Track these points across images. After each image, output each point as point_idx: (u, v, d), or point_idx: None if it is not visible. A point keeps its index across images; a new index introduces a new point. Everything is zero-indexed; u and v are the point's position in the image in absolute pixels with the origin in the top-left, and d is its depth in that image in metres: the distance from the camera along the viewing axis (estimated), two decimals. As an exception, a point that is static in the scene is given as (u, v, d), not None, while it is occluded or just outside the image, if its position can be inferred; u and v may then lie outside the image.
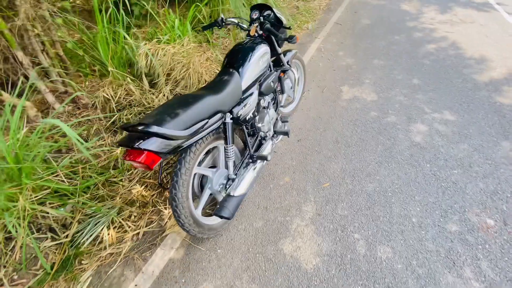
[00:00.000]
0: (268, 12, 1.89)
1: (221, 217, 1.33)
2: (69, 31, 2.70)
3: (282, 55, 2.09)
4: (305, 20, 4.80)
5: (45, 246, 1.57)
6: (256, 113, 1.76)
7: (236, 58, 1.65)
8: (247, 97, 1.61)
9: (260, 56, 1.71)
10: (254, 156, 1.66)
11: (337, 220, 1.76)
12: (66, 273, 1.50)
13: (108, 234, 1.66)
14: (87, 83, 2.68)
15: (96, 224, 1.68)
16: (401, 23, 4.78)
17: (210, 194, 1.57)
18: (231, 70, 1.57)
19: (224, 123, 1.44)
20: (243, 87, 1.58)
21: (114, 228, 1.70)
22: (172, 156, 1.40)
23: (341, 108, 2.77)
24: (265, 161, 1.66)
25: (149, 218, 1.77)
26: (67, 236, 1.63)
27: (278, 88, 2.15)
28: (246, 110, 1.58)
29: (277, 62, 2.10)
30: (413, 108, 2.75)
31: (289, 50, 2.32)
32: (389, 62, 3.60)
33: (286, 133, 1.91)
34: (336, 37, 4.30)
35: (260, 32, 1.84)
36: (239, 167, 1.65)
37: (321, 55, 3.82)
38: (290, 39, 1.95)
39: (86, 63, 2.70)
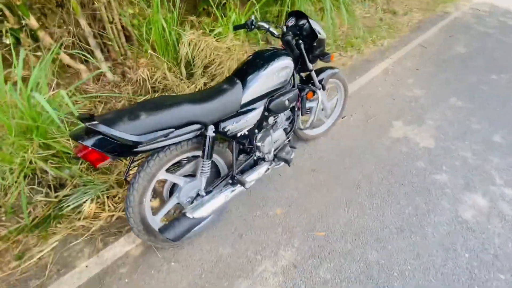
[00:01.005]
0: (304, 21, 1.63)
1: (165, 237, 1.20)
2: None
3: (313, 72, 1.81)
4: (383, 35, 4.21)
5: (37, 199, 1.72)
6: (257, 130, 1.55)
7: (247, 68, 1.47)
8: (245, 112, 1.42)
9: (277, 70, 1.49)
10: (235, 178, 1.47)
11: (313, 281, 1.45)
12: (41, 230, 1.61)
13: (89, 207, 1.72)
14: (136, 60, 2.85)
15: (84, 194, 1.76)
16: (508, 60, 3.76)
17: (179, 203, 1.46)
18: (235, 79, 1.40)
19: (204, 136, 1.29)
20: (244, 101, 1.40)
21: (96, 203, 1.75)
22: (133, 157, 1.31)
23: (382, 147, 2.31)
24: (243, 187, 1.46)
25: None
26: (57, 197, 1.75)
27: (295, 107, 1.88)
28: (238, 126, 1.40)
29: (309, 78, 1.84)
30: (479, 172, 2.11)
31: (329, 68, 2.01)
32: (470, 104, 2.86)
33: (287, 161, 1.66)
34: (413, 61, 3.65)
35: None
36: (216, 185, 1.49)
37: (384, 78, 3.29)
38: (323, 56, 1.66)
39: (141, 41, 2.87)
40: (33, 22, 2.21)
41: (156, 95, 2.55)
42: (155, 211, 1.43)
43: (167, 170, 1.36)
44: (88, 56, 2.40)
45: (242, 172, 1.60)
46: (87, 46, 2.56)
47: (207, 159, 1.33)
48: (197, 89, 2.58)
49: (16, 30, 2.27)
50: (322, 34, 1.67)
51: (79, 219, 1.68)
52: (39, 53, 2.40)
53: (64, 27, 2.47)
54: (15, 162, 1.62)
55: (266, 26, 1.61)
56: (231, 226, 1.68)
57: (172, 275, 1.45)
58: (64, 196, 1.77)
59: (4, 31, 2.18)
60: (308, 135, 2.24)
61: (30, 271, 1.45)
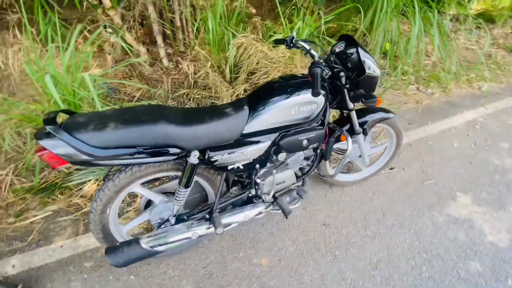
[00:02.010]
0: (353, 50, 1.28)
1: (109, 260, 1.08)
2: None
3: (354, 114, 1.45)
4: (485, 76, 3.33)
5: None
6: (258, 165, 1.31)
7: (261, 93, 1.23)
8: (243, 143, 1.20)
9: (298, 103, 1.21)
10: (213, 214, 1.27)
11: None
12: (44, 195, 1.72)
13: (89, 187, 1.77)
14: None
15: (91, 173, 1.82)
16: None
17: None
18: (244, 104, 1.19)
19: (185, 161, 1.13)
20: (246, 130, 1.18)
21: (97, 185, 1.79)
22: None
23: (429, 223, 1.78)
24: (214, 230, 1.23)
25: (130, 194, 1.75)
26: (68, 168, 1.85)
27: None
28: (230, 158, 1.18)
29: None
30: None
31: (382, 110, 1.61)
32: None
33: (284, 212, 1.36)
34: (517, 119, 2.77)
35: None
36: (192, 215, 1.32)
37: (467, 133, 2.58)
38: (366, 98, 1.29)
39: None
40: (106, 1, 2.38)
41: (195, 91, 2.52)
42: (126, 221, 1.35)
43: (145, 183, 1.24)
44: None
45: (231, 206, 1.39)
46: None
47: (183, 187, 1.17)
48: (235, 94, 2.44)
49: (94, 6, 2.48)
50: (373, 70, 1.29)
51: (78, 196, 1.73)
52: (110, 30, 2.60)
53: (131, 11, 2.60)
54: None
55: (307, 46, 1.32)
56: (206, 260, 1.50)
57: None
58: (76, 169, 1.85)
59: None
60: (335, 180, 1.87)
61: (19, 231, 1.55)
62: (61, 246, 1.50)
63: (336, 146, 1.68)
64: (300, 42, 1.36)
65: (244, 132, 1.18)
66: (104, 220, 1.18)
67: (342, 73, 1.28)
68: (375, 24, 2.79)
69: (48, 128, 0.87)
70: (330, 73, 1.28)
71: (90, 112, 1.09)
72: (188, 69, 2.51)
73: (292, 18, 2.74)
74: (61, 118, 1.02)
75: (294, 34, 1.38)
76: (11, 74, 2.11)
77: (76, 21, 2.43)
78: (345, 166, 2.10)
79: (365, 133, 1.56)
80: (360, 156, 1.76)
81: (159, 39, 2.77)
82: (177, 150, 1.06)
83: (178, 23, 2.80)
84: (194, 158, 1.11)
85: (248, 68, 2.43)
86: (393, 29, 2.91)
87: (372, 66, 1.29)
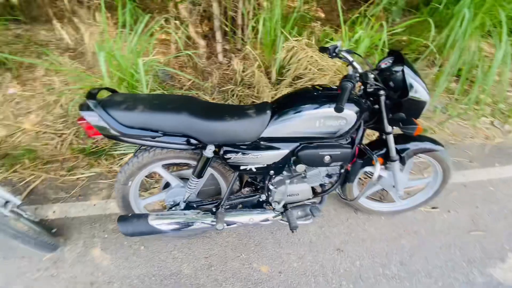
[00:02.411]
0: (399, 68, 1.15)
1: (119, 227, 1.19)
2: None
3: (391, 137, 1.31)
4: None
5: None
6: (273, 172, 1.29)
7: (288, 100, 1.21)
8: (260, 147, 1.19)
9: (324, 116, 1.15)
10: (220, 209, 1.29)
11: None
12: (93, 158, 1.98)
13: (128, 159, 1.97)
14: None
15: (134, 147, 2.03)
16: None
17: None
18: (267, 108, 1.18)
19: (201, 153, 1.17)
20: (264, 134, 1.17)
21: (134, 158, 1.98)
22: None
23: (465, 280, 1.52)
24: (211, 226, 1.25)
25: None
26: (102, 139, 2.09)
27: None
28: (243, 159, 1.18)
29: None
30: None
31: (430, 140, 1.43)
32: None
33: (290, 225, 1.31)
34: None
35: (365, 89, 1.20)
36: (201, 205, 1.36)
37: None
38: (404, 124, 1.16)
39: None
40: (176, -4, 2.60)
41: (239, 89, 2.58)
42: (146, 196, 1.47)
43: (167, 166, 1.34)
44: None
45: (241, 206, 1.40)
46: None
47: (196, 177, 1.22)
48: (277, 96, 2.43)
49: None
50: (420, 94, 1.14)
51: (118, 164, 1.95)
52: (177, 22, 2.84)
53: (197, 4, 2.78)
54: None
55: (349, 58, 1.24)
56: (209, 251, 1.54)
57: (134, 258, 1.49)
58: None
59: None
60: (362, 205, 1.72)
61: (66, 184, 1.82)
62: (94, 205, 1.72)
63: (369, 169, 1.54)
64: (343, 53, 1.28)
65: (262, 135, 1.17)
66: (125, 190, 1.31)
67: (382, 92, 1.17)
68: (449, 42, 2.46)
69: (88, 102, 1.00)
70: (370, 89, 1.18)
71: (128, 93, 1.21)
72: (237, 66, 2.59)
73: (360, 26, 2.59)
74: (105, 94, 1.16)
75: (339, 43, 1.30)
76: (88, 51, 2.48)
77: (151, 12, 2.73)
78: (377, 193, 1.92)
79: (402, 161, 1.40)
80: (393, 186, 1.58)
81: (218, 35, 2.92)
82: (194, 141, 1.11)
83: (239, 21, 2.91)
84: (209, 151, 1.14)
85: (295, 72, 2.39)
86: (471, 51, 2.53)
87: (419, 89, 1.15)
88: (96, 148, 2.04)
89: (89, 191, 1.80)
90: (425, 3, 2.97)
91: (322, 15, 4.37)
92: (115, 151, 2.02)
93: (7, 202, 1.22)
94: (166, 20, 2.65)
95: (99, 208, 1.70)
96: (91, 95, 1.02)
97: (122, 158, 1.98)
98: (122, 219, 1.20)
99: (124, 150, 2.01)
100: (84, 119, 1.04)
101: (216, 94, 2.61)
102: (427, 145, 1.40)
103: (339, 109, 0.96)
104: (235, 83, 2.67)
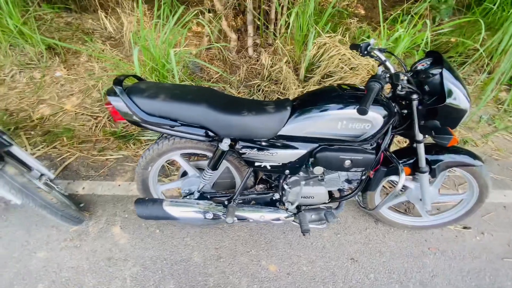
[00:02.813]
0: (437, 71, 1.04)
1: (135, 209, 1.24)
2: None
3: (421, 146, 1.20)
4: None
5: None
6: (288, 171, 1.25)
7: (312, 98, 1.16)
8: (276, 145, 1.16)
9: (346, 118, 1.08)
10: (232, 202, 1.29)
11: None
12: (122, 141, 2.10)
13: (153, 145, 2.06)
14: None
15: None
16: None
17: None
18: (288, 105, 1.14)
19: (217, 145, 1.17)
20: (284, 132, 1.14)
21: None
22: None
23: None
24: (222, 218, 1.25)
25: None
26: (126, 125, 2.18)
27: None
28: (258, 156, 1.16)
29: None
30: None
31: (467, 153, 1.30)
32: None
33: (301, 228, 1.26)
34: None
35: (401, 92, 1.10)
36: (214, 197, 1.37)
37: None
38: (437, 133, 1.06)
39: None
40: (211, -11, 2.62)
41: (266, 84, 2.56)
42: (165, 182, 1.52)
43: (186, 155, 1.37)
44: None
45: (251, 201, 1.39)
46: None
47: (211, 169, 1.23)
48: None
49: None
50: (458, 99, 1.03)
51: (144, 149, 2.05)
52: (210, 14, 2.88)
53: (231, -1, 2.78)
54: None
55: (382, 57, 1.15)
56: (220, 243, 1.56)
57: (149, 240, 1.55)
58: (149, 127, 2.18)
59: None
60: (383, 216, 1.61)
61: (96, 163, 1.95)
62: (119, 185, 1.82)
63: (394, 178, 1.44)
64: (375, 51, 1.19)
65: (280, 133, 1.14)
66: (145, 175, 1.36)
67: (414, 96, 1.07)
68: (502, 47, 2.19)
69: (115, 87, 1.05)
70: (401, 92, 1.09)
71: (153, 82, 1.25)
72: (265, 61, 2.56)
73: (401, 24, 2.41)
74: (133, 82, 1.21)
75: (372, 41, 1.21)
76: (126, 40, 2.62)
77: (188, 4, 2.79)
78: (402, 205, 1.79)
79: (433, 174, 1.28)
80: (421, 200, 1.46)
81: (250, 29, 2.90)
82: (211, 133, 1.11)
83: (272, 16, 2.86)
84: (224, 145, 1.14)
85: (325, 70, 2.30)
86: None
87: (459, 96, 1.03)
88: (126, 132, 2.16)
89: (116, 172, 1.91)
90: (478, 3, 2.67)
91: (362, 11, 4.15)
92: (143, 136, 2.12)
93: (42, 175, 1.33)
94: (202, 13, 2.70)
95: (122, 189, 1.80)
96: (118, 81, 1.07)
97: (148, 144, 2.07)
98: (139, 202, 1.26)
99: (151, 136, 2.10)
100: (111, 104, 1.10)
101: (242, 88, 2.61)
102: (464, 158, 1.27)
103: (362, 111, 0.89)
104: (262, 78, 2.65)
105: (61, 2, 3.51)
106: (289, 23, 2.54)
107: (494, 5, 2.40)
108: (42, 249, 1.48)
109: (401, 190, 1.57)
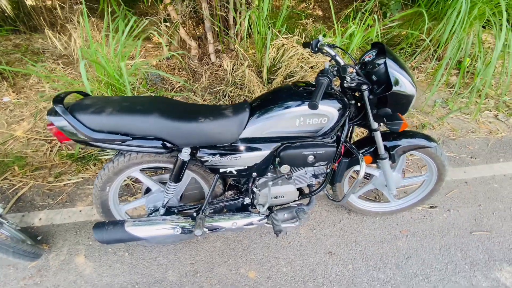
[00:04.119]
0: (381, 61, 1.08)
1: (94, 234, 1.15)
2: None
3: (378, 134, 1.24)
4: None
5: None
6: (256, 173, 1.23)
7: (267, 98, 1.15)
8: (239, 149, 1.13)
9: (304, 114, 1.09)
10: (200, 214, 1.24)
11: None
12: (81, 164, 1.96)
13: (117, 163, 1.94)
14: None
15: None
16: None
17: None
18: (246, 107, 1.12)
19: (176, 156, 1.13)
20: (245, 135, 1.12)
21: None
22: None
23: (468, 284, 1.43)
24: (192, 232, 1.19)
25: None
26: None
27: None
28: (222, 161, 1.13)
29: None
30: None
31: (422, 136, 1.35)
32: None
33: (274, 228, 1.24)
34: None
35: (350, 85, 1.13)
36: (182, 210, 1.31)
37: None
38: (388, 120, 1.09)
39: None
40: (165, -2, 2.57)
41: (231, 89, 2.54)
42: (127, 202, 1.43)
43: (147, 170, 1.30)
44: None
45: (224, 210, 1.35)
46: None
47: (173, 181, 1.18)
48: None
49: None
50: (404, 86, 1.08)
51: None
52: (167, 23, 2.81)
53: (187, 7, 2.75)
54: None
55: (332, 52, 1.18)
56: (195, 257, 1.49)
57: (118, 265, 1.45)
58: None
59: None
60: (355, 206, 1.65)
61: (53, 190, 1.80)
62: (80, 211, 1.69)
63: (358, 168, 1.47)
64: (325, 47, 1.21)
65: (241, 136, 1.12)
66: (103, 196, 1.27)
67: (364, 86, 1.11)
68: (446, 34, 2.36)
69: (56, 107, 0.97)
70: (352, 84, 1.12)
71: (99, 96, 1.18)
72: (227, 66, 2.55)
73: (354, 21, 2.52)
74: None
75: (321, 38, 1.24)
76: (74, 55, 2.48)
77: (142, 15, 2.71)
78: (372, 193, 1.84)
79: (392, 159, 1.33)
80: (386, 186, 1.51)
81: (209, 35, 2.87)
82: (168, 144, 1.06)
83: (231, 21, 2.87)
84: (184, 154, 1.10)
85: (286, 70, 2.33)
86: (469, 42, 2.43)
87: (404, 83, 1.08)
88: (84, 154, 2.03)
89: (76, 197, 1.77)
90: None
91: (320, 12, 4.30)
92: (103, 156, 2.00)
93: (-14, 211, 1.20)
94: (160, 22, 2.63)
95: (84, 215, 1.67)
96: (59, 99, 0.99)
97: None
98: (97, 226, 1.16)
99: (112, 155, 1.99)
100: (52, 125, 1.01)
101: (207, 95, 2.57)
102: (419, 141, 1.33)
103: (313, 106, 0.90)
104: (227, 83, 2.63)
105: (9, 24, 3.27)
106: (248, 28, 2.56)
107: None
108: (-5, 293, 1.33)
109: (367, 179, 1.61)
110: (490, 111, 2.65)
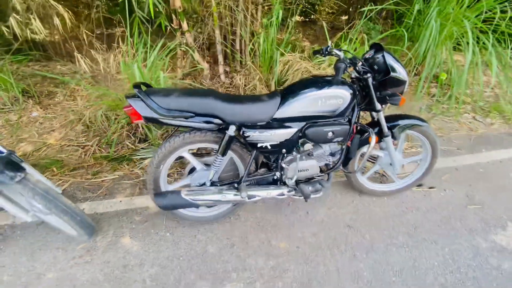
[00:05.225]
0: (379, 55, 1.43)
1: (154, 201, 1.34)
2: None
3: (381, 115, 1.55)
4: None
5: (125, 143, 2.31)
6: (285, 150, 1.49)
7: (294, 87, 1.45)
8: (273, 126, 1.40)
9: (324, 96, 1.39)
10: (240, 184, 1.46)
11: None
12: (115, 163, 2.15)
13: (147, 162, 2.15)
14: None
15: (152, 152, 2.22)
16: None
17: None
18: (277, 94, 1.42)
19: (224, 133, 1.38)
20: (277, 115, 1.39)
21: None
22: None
23: (468, 246, 1.65)
24: (240, 197, 1.41)
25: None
26: (136, 147, 2.29)
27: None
28: (260, 137, 1.39)
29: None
30: None
31: (415, 118, 1.67)
32: None
33: (303, 195, 1.47)
34: None
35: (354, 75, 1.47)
36: (224, 184, 1.53)
37: (531, 166, 2.31)
38: (390, 97, 1.41)
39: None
40: (184, 25, 2.99)
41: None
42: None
43: (196, 154, 1.53)
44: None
45: (256, 184, 1.57)
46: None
47: (220, 155, 1.41)
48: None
49: (176, 29, 3.12)
50: (399, 72, 1.41)
51: (138, 167, 2.12)
52: (183, 48, 3.20)
53: (201, 32, 3.18)
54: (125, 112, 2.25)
55: (340, 54, 1.52)
56: (230, 233, 1.67)
57: (161, 243, 1.60)
58: (141, 148, 2.29)
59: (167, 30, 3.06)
60: (365, 187, 1.89)
61: (93, 186, 1.97)
62: (120, 201, 1.86)
63: (365, 150, 1.75)
64: (334, 51, 1.56)
65: (274, 116, 1.40)
66: (157, 174, 1.48)
67: (368, 74, 1.43)
68: (421, 52, 2.84)
69: (135, 90, 1.23)
70: (360, 69, 1.44)
71: (163, 87, 1.45)
72: (240, 81, 2.90)
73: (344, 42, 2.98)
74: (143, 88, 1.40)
75: (330, 43, 1.59)
76: (109, 72, 2.78)
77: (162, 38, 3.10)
78: (378, 179, 2.10)
79: (394, 136, 1.62)
80: (391, 164, 1.78)
81: (220, 58, 3.27)
82: (219, 121, 1.32)
83: (238, 46, 3.30)
84: (231, 131, 1.35)
85: (292, 82, 2.69)
86: (442, 58, 2.91)
87: (399, 70, 1.41)
88: (118, 155, 2.23)
89: (114, 191, 1.94)
90: (399, 22, 3.43)
91: (308, 43, 4.88)
92: (135, 156, 2.20)
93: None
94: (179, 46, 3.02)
95: (125, 204, 1.84)
96: (136, 86, 1.26)
97: (141, 162, 2.16)
98: (157, 195, 1.36)
99: (143, 155, 2.20)
100: (129, 107, 1.26)
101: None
102: (414, 121, 1.64)
103: (337, 82, 1.20)
104: (239, 96, 2.96)
105: (24, 53, 3.60)
106: (254, 50, 2.97)
107: (410, 20, 3.12)
108: (50, 270, 1.44)
109: (373, 161, 1.88)
110: (469, 113, 3.05)
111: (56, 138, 2.45)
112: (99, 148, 2.29)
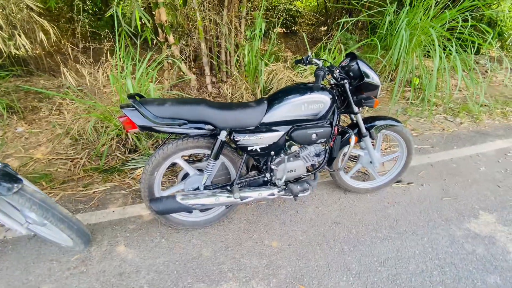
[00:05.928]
0: (354, 62, 1.58)
1: (150, 206, 1.39)
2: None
3: (359, 116, 1.69)
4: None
5: (115, 154, 2.33)
6: (273, 152, 1.59)
7: (279, 94, 1.57)
8: (262, 130, 1.50)
9: (307, 101, 1.51)
10: (232, 186, 1.54)
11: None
12: (106, 174, 2.17)
13: (139, 172, 2.18)
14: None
15: (142, 162, 2.25)
16: None
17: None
18: (264, 101, 1.53)
19: (216, 138, 1.46)
20: (264, 120, 1.50)
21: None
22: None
23: (445, 235, 1.79)
24: (233, 199, 1.49)
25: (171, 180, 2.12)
26: (127, 157, 2.32)
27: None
28: (250, 141, 1.48)
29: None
30: None
31: (391, 118, 1.82)
32: None
33: (292, 194, 1.57)
34: (558, 151, 2.64)
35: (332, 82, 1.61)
36: (217, 187, 1.60)
37: (498, 159, 2.54)
38: (365, 100, 1.55)
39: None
40: (171, 38, 3.08)
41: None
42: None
43: (188, 160, 1.60)
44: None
45: (247, 186, 1.65)
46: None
47: (213, 159, 1.49)
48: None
49: (161, 43, 3.21)
50: (371, 78, 1.56)
51: (130, 177, 2.15)
52: (170, 60, 3.28)
53: (187, 45, 3.28)
54: (114, 124, 2.28)
55: (319, 63, 1.66)
56: (224, 236, 1.72)
57: (157, 249, 1.63)
58: (132, 158, 2.31)
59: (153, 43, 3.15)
60: (349, 185, 2.01)
61: (84, 197, 1.97)
62: (113, 211, 1.87)
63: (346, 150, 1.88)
64: (314, 60, 1.70)
65: (262, 121, 1.50)
66: (151, 181, 1.53)
67: (345, 80, 1.58)
68: (394, 59, 3.07)
69: (130, 100, 1.30)
70: (338, 76, 1.58)
71: (156, 98, 1.52)
72: (227, 90, 3.01)
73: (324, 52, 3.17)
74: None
75: (310, 53, 1.73)
76: (96, 86, 2.81)
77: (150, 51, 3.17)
78: (361, 177, 2.23)
79: (371, 136, 1.76)
80: (371, 162, 1.92)
81: (206, 69, 3.38)
82: (211, 127, 1.41)
83: (223, 57, 3.42)
84: (223, 136, 1.44)
85: (277, 90, 2.83)
86: (414, 65, 3.15)
87: (372, 75, 1.56)
88: (108, 167, 2.25)
89: (107, 201, 1.96)
90: (373, 32, 3.69)
91: (290, 53, 5.11)
92: (126, 166, 2.23)
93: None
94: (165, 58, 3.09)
95: (118, 214, 1.86)
96: (130, 96, 1.32)
97: (133, 172, 2.19)
98: (154, 200, 1.41)
99: (134, 166, 2.23)
100: (124, 116, 1.33)
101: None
102: (389, 122, 1.79)
103: (316, 87, 1.33)
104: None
105: (5, 69, 3.56)
106: (240, 60, 3.10)
107: (383, 30, 3.38)
108: (45, 282, 1.44)
109: (355, 160, 2.02)
110: (440, 114, 3.30)
111: (43, 153, 2.44)
112: (88, 161, 2.30)
